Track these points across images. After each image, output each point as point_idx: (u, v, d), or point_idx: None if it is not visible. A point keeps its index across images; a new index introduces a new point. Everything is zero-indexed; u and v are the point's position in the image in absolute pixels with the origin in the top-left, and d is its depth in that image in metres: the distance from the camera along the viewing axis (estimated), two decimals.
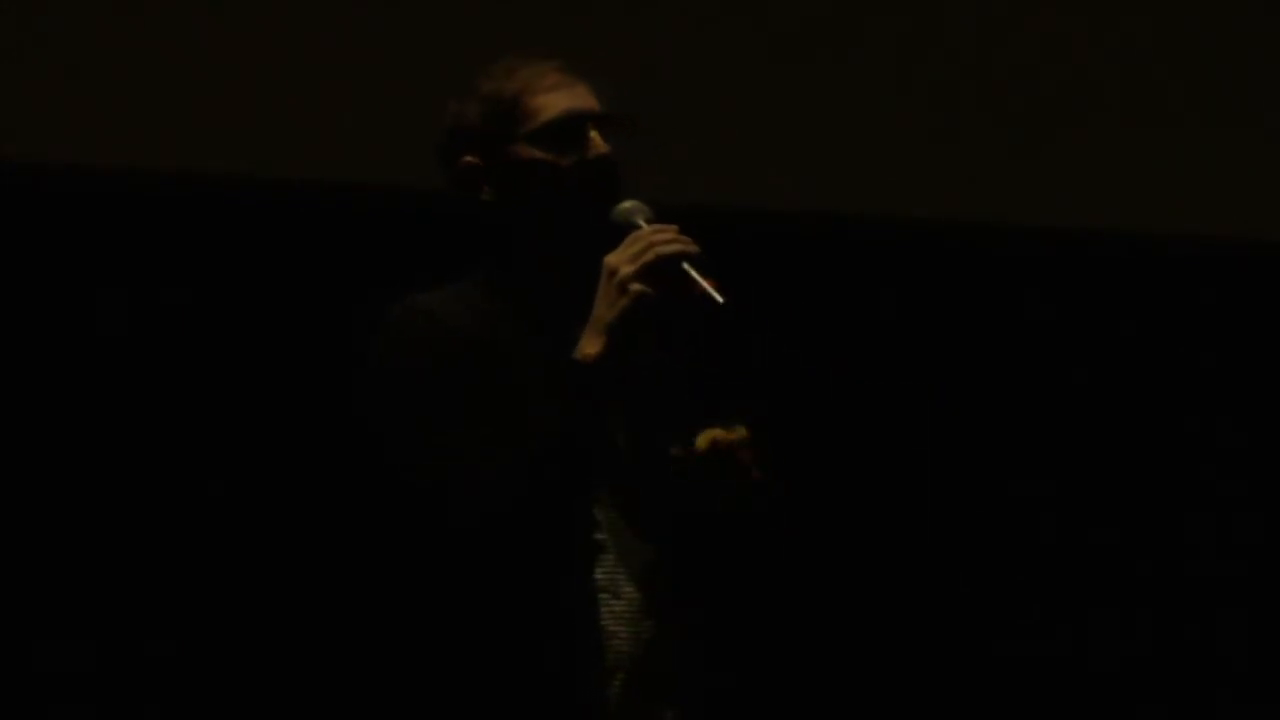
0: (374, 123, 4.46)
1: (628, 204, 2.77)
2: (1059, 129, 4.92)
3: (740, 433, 2.79)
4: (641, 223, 2.74)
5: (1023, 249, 4.97)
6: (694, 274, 2.68)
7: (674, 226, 2.71)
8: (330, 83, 4.49)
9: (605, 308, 2.67)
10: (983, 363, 4.94)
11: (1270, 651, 5.04)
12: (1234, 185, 4.94)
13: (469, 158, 2.82)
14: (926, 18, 4.86)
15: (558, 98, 2.81)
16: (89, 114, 4.39)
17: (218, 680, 4.45)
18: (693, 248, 2.69)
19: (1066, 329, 5.01)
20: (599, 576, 2.74)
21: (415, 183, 4.11)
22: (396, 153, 4.17)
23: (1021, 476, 4.99)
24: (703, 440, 2.79)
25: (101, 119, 4.40)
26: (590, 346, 2.67)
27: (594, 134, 2.80)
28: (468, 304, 2.79)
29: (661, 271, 2.67)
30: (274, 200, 4.54)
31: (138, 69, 4.42)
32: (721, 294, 2.67)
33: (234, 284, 4.52)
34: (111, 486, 4.44)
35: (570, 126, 2.80)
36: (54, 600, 4.39)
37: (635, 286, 2.66)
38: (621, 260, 2.68)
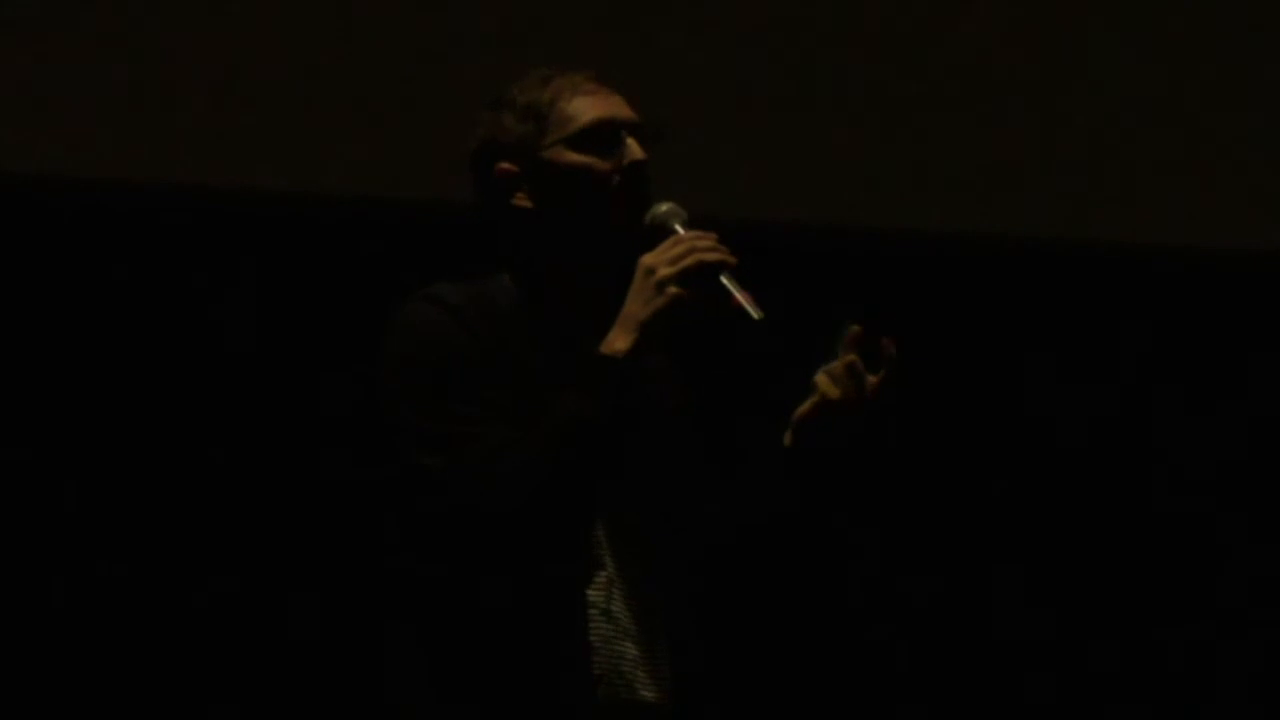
0: (373, 135, 4.49)
1: (664, 207, 2.77)
2: (1071, 143, 4.95)
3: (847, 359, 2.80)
4: (678, 227, 2.74)
5: (1020, 257, 5.01)
6: (732, 287, 2.67)
7: (713, 234, 2.70)
8: (328, 93, 4.51)
9: (640, 305, 2.66)
10: (982, 372, 4.97)
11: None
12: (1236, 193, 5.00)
13: (504, 165, 2.81)
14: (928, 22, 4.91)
15: (594, 103, 2.81)
16: (80, 125, 4.42)
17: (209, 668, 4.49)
18: (732, 259, 2.68)
19: (1061, 337, 5.04)
20: (591, 594, 2.72)
21: (417, 195, 4.10)
22: (395, 165, 4.31)
23: (1013, 481, 5.02)
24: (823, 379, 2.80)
25: (92, 129, 4.43)
26: (620, 341, 2.66)
27: (630, 140, 2.79)
28: (488, 300, 2.77)
29: (698, 278, 2.66)
30: (272, 211, 4.58)
31: (131, 78, 4.45)
32: (758, 309, 2.66)
33: (232, 289, 4.55)
34: (115, 485, 4.47)
35: (607, 131, 2.79)
36: (49, 604, 4.43)
37: (673, 289, 2.65)
38: (661, 261, 2.67)
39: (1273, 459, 5.09)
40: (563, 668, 2.68)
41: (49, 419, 4.46)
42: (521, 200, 2.80)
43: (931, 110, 4.88)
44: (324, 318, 4.46)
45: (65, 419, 4.46)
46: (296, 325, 4.53)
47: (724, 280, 2.66)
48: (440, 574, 2.68)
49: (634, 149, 2.78)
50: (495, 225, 2.83)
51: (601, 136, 2.78)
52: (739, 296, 2.66)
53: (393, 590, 2.73)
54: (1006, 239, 4.98)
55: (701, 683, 2.80)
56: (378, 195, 4.52)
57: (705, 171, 4.52)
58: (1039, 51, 4.95)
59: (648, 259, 2.67)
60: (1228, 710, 5.04)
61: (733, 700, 4.55)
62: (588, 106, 2.80)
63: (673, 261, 2.65)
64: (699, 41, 4.75)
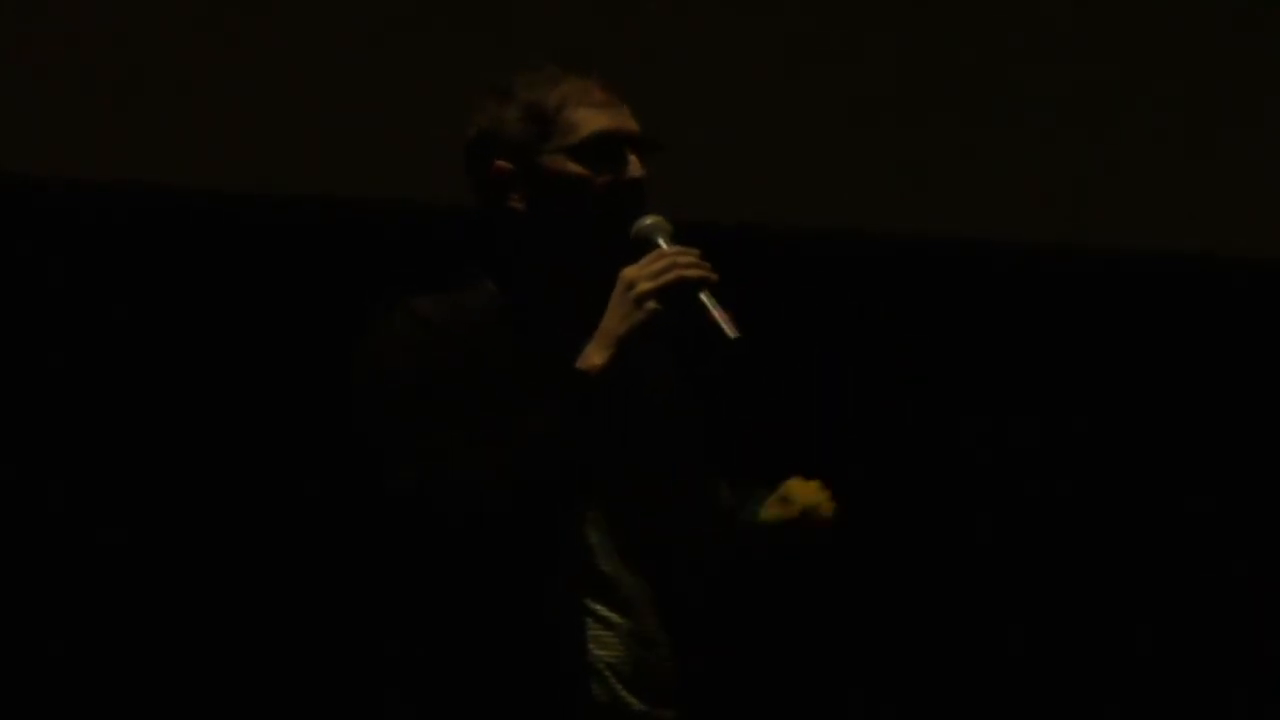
0: (366, 137, 4.51)
1: (649, 220, 2.76)
2: (1081, 147, 4.98)
3: (819, 494, 2.84)
4: (662, 242, 2.74)
5: (1016, 264, 5.05)
6: (710, 305, 2.68)
7: (696, 251, 2.71)
8: (323, 95, 4.54)
9: (617, 320, 2.67)
10: (982, 374, 5.01)
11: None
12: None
13: (501, 163, 2.79)
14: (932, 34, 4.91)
15: (601, 115, 2.79)
16: (75, 126, 4.44)
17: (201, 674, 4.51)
18: (713, 276, 2.69)
19: (1056, 340, 5.08)
20: (585, 599, 2.74)
21: (411, 196, 4.19)
22: (387, 166, 4.34)
23: (1016, 486, 5.06)
24: (786, 507, 2.84)
25: (89, 131, 4.45)
26: (596, 357, 2.67)
27: (632, 157, 2.78)
28: (466, 309, 2.77)
29: (678, 294, 2.67)
30: (264, 213, 4.60)
31: (125, 80, 4.47)
32: (735, 329, 2.67)
33: (223, 294, 4.57)
34: (104, 493, 4.48)
35: (610, 145, 2.78)
36: (44, 607, 4.45)
37: (651, 304, 2.66)
38: (641, 275, 2.67)
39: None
40: (552, 675, 2.70)
41: (44, 418, 4.45)
42: (515, 202, 2.78)
43: (933, 113, 4.90)
44: (321, 318, 4.43)
45: (61, 418, 4.46)
46: (293, 326, 4.52)
47: (703, 298, 2.67)
48: (419, 588, 2.70)
49: (635, 166, 2.77)
50: (484, 219, 2.82)
51: (604, 149, 2.77)
52: (716, 315, 2.67)
53: (376, 604, 2.74)
54: (1008, 242, 5.01)
55: (702, 686, 2.82)
56: (379, 196, 4.54)
57: (704, 172, 4.52)
58: (1038, 53, 4.97)
59: (629, 272, 2.67)
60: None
61: (734, 704, 4.58)
62: (594, 118, 2.78)
63: (653, 276, 2.66)
64: (698, 41, 4.77)
